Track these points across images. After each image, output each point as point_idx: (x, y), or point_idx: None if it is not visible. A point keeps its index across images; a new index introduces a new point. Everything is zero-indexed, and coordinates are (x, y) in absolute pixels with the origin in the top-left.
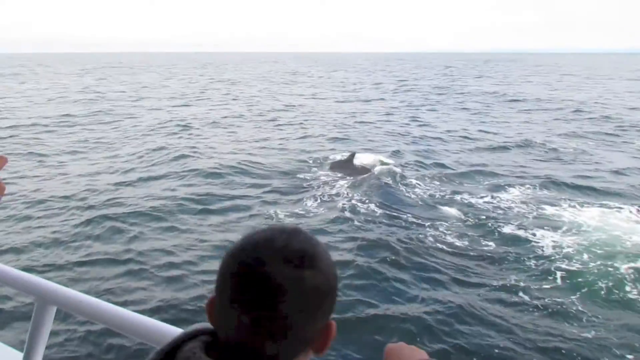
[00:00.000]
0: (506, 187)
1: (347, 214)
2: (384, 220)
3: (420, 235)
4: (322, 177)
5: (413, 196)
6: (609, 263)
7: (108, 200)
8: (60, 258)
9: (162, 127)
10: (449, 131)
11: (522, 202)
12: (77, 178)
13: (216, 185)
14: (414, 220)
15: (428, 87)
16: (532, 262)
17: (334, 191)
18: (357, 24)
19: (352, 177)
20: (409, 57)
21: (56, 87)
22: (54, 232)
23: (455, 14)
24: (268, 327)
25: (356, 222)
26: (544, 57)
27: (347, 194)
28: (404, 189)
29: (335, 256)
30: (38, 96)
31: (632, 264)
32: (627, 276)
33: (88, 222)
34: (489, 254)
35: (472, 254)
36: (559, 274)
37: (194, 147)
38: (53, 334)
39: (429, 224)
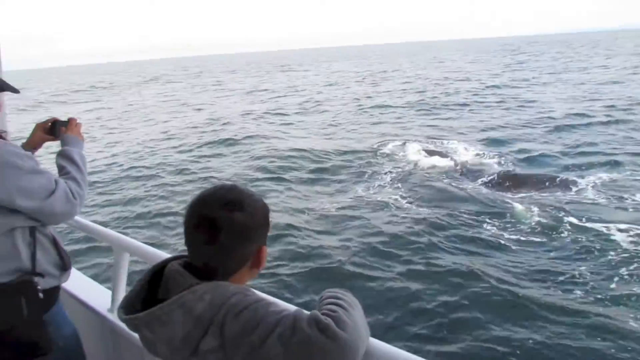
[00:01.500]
0: (590, 170)
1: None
2: (432, 216)
3: (469, 232)
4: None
5: (471, 188)
6: None
7: None
8: None
9: None
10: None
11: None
12: None
13: None
14: (465, 215)
15: None
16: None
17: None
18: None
19: (402, 167)
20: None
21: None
22: None
23: None
24: (213, 251)
25: (396, 217)
26: None
27: (394, 184)
28: (462, 180)
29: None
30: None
31: None
32: None
33: None
34: (551, 259)
35: (532, 257)
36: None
37: None
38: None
39: (483, 219)
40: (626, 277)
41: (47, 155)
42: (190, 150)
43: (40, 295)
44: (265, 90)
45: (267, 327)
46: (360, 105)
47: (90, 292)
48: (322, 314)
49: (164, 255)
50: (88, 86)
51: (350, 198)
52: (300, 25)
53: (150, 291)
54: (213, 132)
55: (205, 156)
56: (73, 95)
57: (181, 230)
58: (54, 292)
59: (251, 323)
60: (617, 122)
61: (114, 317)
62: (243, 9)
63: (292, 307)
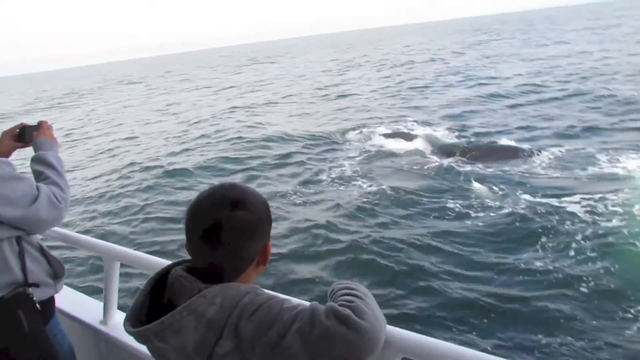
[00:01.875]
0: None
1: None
2: (393, 194)
3: (428, 207)
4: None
5: (433, 166)
6: None
7: None
8: None
9: None
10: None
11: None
12: None
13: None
14: (425, 192)
15: None
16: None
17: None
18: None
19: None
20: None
21: None
22: None
23: None
24: (218, 252)
25: (354, 202)
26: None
27: (353, 170)
28: (424, 159)
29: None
30: None
31: None
32: None
33: None
34: (507, 233)
35: (492, 232)
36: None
37: None
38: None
39: (441, 196)
40: (581, 244)
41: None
42: (158, 151)
43: (38, 306)
44: (232, 87)
45: (284, 324)
46: (326, 94)
47: (79, 304)
48: (339, 305)
49: (158, 261)
50: (52, 94)
51: (315, 184)
52: (267, 17)
53: (153, 300)
54: (182, 132)
55: (174, 153)
56: (41, 103)
57: (158, 227)
58: (50, 303)
59: (266, 321)
60: (571, 95)
61: (107, 329)
62: (209, 3)
63: (306, 303)
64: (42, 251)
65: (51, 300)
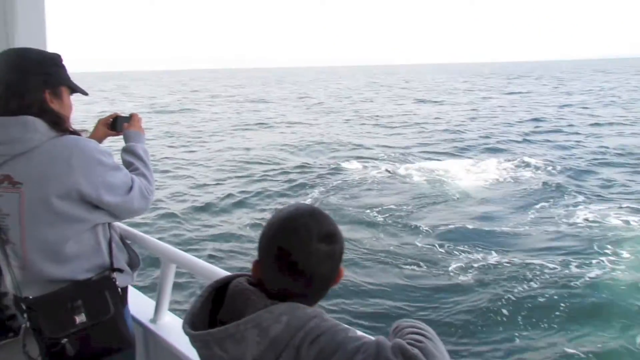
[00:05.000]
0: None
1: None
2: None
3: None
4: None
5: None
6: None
7: None
8: None
9: None
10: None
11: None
12: None
13: None
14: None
15: None
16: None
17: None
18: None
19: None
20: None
21: None
22: None
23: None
24: (296, 281)
25: None
26: None
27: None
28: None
29: None
30: None
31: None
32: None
33: None
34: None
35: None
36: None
37: None
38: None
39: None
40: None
41: None
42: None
43: (119, 291)
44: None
45: (347, 354)
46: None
47: (131, 300)
48: (407, 343)
49: (213, 267)
50: None
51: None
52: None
53: (212, 308)
54: None
55: None
56: None
57: None
58: (125, 292)
59: (329, 348)
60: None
61: (156, 329)
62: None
63: (370, 337)
64: (122, 240)
65: (126, 289)
